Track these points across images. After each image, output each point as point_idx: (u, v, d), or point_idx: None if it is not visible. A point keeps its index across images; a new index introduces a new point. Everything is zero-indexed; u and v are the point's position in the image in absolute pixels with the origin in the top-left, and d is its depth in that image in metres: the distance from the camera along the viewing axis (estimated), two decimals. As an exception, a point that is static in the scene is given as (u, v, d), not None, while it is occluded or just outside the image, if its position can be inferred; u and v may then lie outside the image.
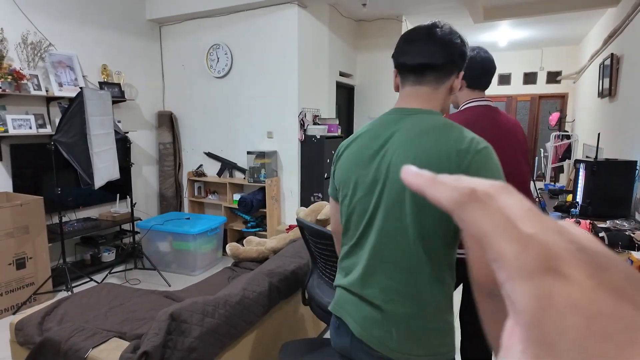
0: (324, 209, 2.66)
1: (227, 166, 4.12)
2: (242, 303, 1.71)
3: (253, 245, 2.79)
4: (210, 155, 4.24)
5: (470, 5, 4.01)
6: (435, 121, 0.93)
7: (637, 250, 1.79)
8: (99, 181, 2.66)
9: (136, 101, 4.11)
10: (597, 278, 0.16)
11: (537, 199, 4.07)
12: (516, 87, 6.88)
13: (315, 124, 3.98)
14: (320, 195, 3.87)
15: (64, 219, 3.15)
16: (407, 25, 4.95)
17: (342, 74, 4.67)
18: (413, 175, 0.21)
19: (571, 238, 0.17)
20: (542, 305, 0.15)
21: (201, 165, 4.29)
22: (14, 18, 3.07)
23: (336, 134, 4.06)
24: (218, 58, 4.00)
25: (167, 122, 4.28)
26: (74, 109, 2.54)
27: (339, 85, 4.64)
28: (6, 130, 2.97)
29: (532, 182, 5.65)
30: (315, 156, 3.85)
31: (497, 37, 5.81)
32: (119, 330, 1.77)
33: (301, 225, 1.75)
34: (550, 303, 0.15)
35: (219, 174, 4.15)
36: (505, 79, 6.94)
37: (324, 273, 1.81)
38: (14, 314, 2.76)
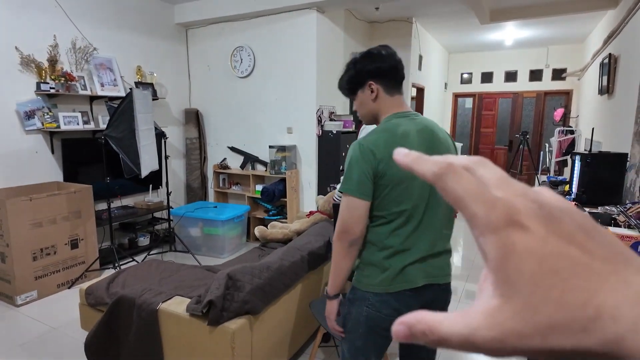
0: None
1: (250, 159, 4.49)
2: (280, 269, 2.07)
3: (277, 228, 3.15)
4: (233, 149, 4.61)
5: (477, 8, 4.30)
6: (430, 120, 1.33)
7: (614, 227, 2.11)
8: (145, 171, 3.04)
9: (166, 99, 4.49)
10: (550, 227, 0.19)
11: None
12: (522, 84, 7.14)
13: (331, 120, 4.32)
14: (335, 186, 4.21)
15: (105, 207, 3.53)
16: (417, 27, 5.26)
17: (355, 73, 4.99)
18: (403, 155, 0.23)
19: (534, 198, 0.20)
20: (505, 253, 0.19)
21: (225, 159, 4.66)
22: (64, 26, 3.46)
23: (351, 129, 4.40)
24: (241, 59, 4.36)
25: (194, 118, 4.65)
26: (124, 107, 2.91)
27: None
28: (58, 126, 3.36)
29: (536, 175, 5.92)
30: (332, 150, 4.19)
31: (503, 36, 6.07)
32: (175, 293, 2.13)
33: (336, 204, 2.10)
34: (511, 250, 0.19)
35: (242, 166, 4.51)
36: (511, 76, 7.20)
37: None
38: (69, 288, 3.16)
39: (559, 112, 6.22)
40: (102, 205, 3.61)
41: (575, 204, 2.14)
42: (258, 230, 3.07)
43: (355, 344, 1.30)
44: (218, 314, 1.74)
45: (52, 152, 3.46)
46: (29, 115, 3.26)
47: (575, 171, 3.26)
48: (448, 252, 1.30)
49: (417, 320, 0.21)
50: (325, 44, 4.14)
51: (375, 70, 1.24)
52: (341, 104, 4.67)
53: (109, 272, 3.18)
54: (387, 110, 1.27)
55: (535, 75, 7.02)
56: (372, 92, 1.25)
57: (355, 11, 4.74)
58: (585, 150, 4.22)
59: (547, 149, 6.24)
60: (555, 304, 0.18)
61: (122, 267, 3.28)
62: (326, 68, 4.23)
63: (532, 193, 0.21)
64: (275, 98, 4.28)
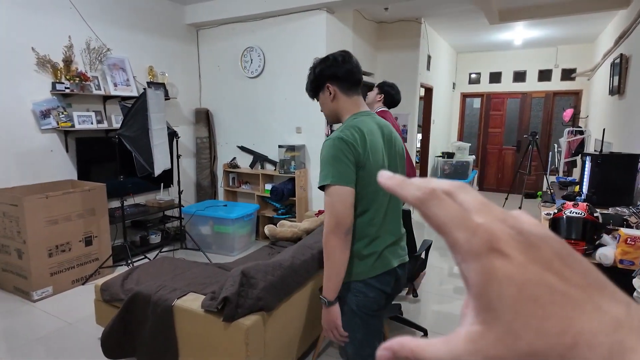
0: None
1: (259, 159, 4.52)
2: (292, 267, 2.10)
3: (286, 227, 3.18)
4: (243, 148, 4.65)
5: (486, 8, 4.29)
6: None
7: (626, 228, 2.11)
8: (157, 170, 3.08)
9: (177, 99, 4.54)
10: (529, 254, 0.20)
11: (548, 191, 4.34)
12: (531, 84, 7.10)
13: (340, 120, 4.34)
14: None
15: (117, 205, 3.59)
16: (425, 27, 5.25)
17: (364, 73, 5.00)
18: (386, 178, 0.24)
19: (513, 224, 0.21)
20: (486, 279, 0.20)
21: (235, 158, 4.70)
22: (78, 27, 3.51)
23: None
24: (251, 59, 4.39)
25: (204, 118, 4.70)
26: (137, 107, 2.96)
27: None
28: (72, 126, 3.42)
29: (545, 176, 5.88)
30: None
31: (512, 36, 6.05)
32: (189, 290, 2.17)
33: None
34: (492, 276, 0.20)
35: (252, 165, 4.55)
36: (520, 76, 7.16)
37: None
38: (83, 284, 3.21)
39: (568, 113, 6.18)
40: (115, 203, 3.67)
41: (587, 205, 2.14)
42: (268, 229, 3.10)
43: (356, 337, 1.35)
44: (233, 310, 1.77)
45: (67, 150, 3.52)
46: (45, 114, 3.32)
47: (585, 172, 3.24)
48: (404, 234, 1.49)
49: (400, 346, 0.22)
50: (334, 44, 4.16)
51: (332, 74, 1.37)
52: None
53: (121, 269, 3.24)
54: (347, 110, 1.39)
55: (545, 75, 6.97)
56: (330, 93, 1.38)
57: (364, 11, 4.76)
58: (595, 150, 4.19)
59: (556, 150, 6.21)
60: (535, 331, 0.18)
61: (135, 264, 3.34)
62: (335, 68, 4.23)
63: (511, 219, 0.21)
64: (284, 98, 4.30)
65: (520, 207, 4.75)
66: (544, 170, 6.09)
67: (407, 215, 2.06)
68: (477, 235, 0.20)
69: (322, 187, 1.27)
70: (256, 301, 1.82)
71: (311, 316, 2.23)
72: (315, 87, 1.43)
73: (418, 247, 2.45)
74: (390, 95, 2.86)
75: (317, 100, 1.46)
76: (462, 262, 0.21)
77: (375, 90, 2.87)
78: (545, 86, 7.02)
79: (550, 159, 6.45)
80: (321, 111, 1.47)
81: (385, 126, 1.40)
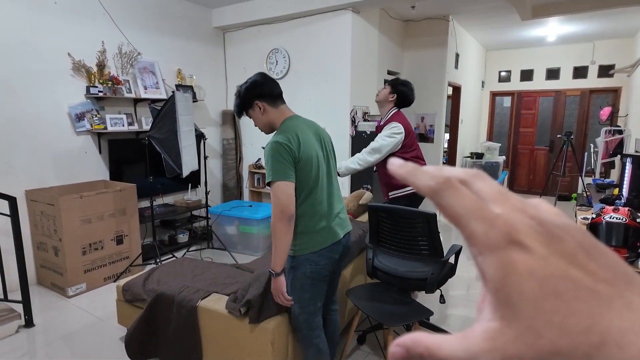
0: (364, 195, 3.01)
1: (283, 160, 4.53)
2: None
3: None
4: (268, 149, 4.67)
5: (518, 4, 4.14)
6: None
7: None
8: (186, 171, 3.15)
9: (204, 101, 4.62)
10: (551, 247, 0.18)
11: (584, 194, 4.14)
12: (565, 82, 6.80)
13: (365, 120, 4.29)
14: (369, 186, 4.18)
15: (147, 204, 3.69)
16: (454, 24, 5.12)
17: (389, 73, 4.94)
18: (397, 166, 0.23)
19: (533, 214, 0.20)
20: (505, 273, 0.18)
21: (260, 159, 4.74)
22: (111, 33, 3.63)
23: (385, 130, 4.35)
24: (277, 61, 4.41)
25: (230, 120, 4.76)
26: (166, 109, 3.03)
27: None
28: (105, 128, 3.54)
29: (580, 178, 5.63)
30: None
31: (545, 32, 5.81)
32: (211, 290, 2.18)
33: (374, 207, 2.10)
34: (512, 270, 0.18)
35: (276, 166, 4.56)
36: (553, 74, 6.87)
37: (385, 245, 2.15)
38: (114, 281, 3.32)
39: (605, 111, 5.88)
40: (145, 203, 3.77)
41: (628, 210, 2.02)
42: None
43: (304, 297, 1.71)
44: (256, 313, 1.78)
45: (100, 152, 3.65)
46: (80, 117, 3.45)
47: (625, 174, 3.07)
48: (343, 207, 1.83)
49: (414, 343, 0.20)
50: (359, 44, 4.12)
51: (257, 93, 1.67)
52: (375, 104, 4.62)
53: (151, 267, 3.31)
54: (277, 118, 1.69)
55: (580, 72, 6.66)
56: (260, 108, 1.68)
57: (390, 10, 4.69)
58: (636, 151, 3.95)
59: (592, 150, 5.92)
60: (558, 329, 0.17)
61: (163, 262, 3.42)
62: (361, 68, 4.20)
63: (531, 208, 0.20)
64: (309, 99, 4.30)
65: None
66: (579, 171, 5.82)
67: (432, 218, 2.01)
68: (496, 227, 0.19)
69: (268, 184, 1.57)
70: (280, 304, 1.82)
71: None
72: (243, 108, 1.72)
73: (445, 251, 2.38)
74: (405, 96, 2.64)
75: (248, 116, 1.74)
76: (479, 255, 0.20)
77: (388, 88, 2.65)
78: (581, 84, 6.70)
79: (585, 160, 6.15)
80: (255, 126, 1.75)
81: (311, 123, 1.73)
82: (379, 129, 2.73)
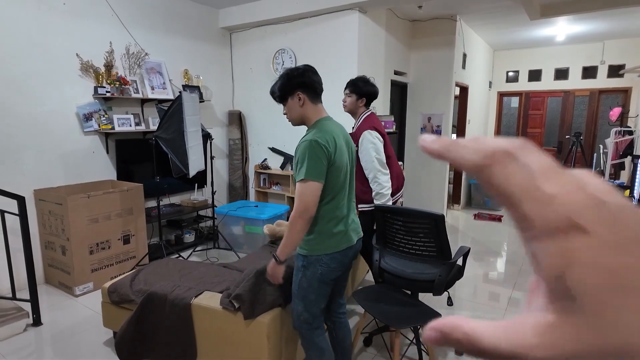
0: None
1: (290, 160, 4.53)
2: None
3: (284, 226, 3.14)
4: (274, 150, 4.67)
5: (527, 3, 4.09)
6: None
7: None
8: (192, 171, 3.15)
9: (211, 102, 4.63)
10: (618, 233, 0.16)
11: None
12: (574, 82, 6.73)
13: (371, 121, 4.27)
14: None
15: (154, 204, 3.70)
16: (461, 24, 5.09)
17: (396, 73, 4.92)
18: (431, 142, 0.21)
19: (591, 192, 0.17)
20: (565, 262, 0.16)
21: (266, 159, 4.74)
22: (119, 33, 3.65)
23: (391, 130, 4.32)
24: (283, 61, 4.41)
25: (236, 120, 4.77)
26: (173, 110, 3.03)
27: (393, 83, 4.89)
28: (113, 128, 3.56)
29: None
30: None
31: (554, 31, 5.75)
32: (203, 288, 2.15)
33: (381, 207, 2.09)
34: (574, 259, 0.16)
35: (282, 167, 4.57)
36: (562, 74, 6.80)
37: (392, 246, 2.14)
38: (121, 281, 3.33)
39: (615, 112, 5.80)
40: (152, 203, 3.78)
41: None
42: (267, 228, 3.05)
43: (309, 298, 1.71)
44: (249, 308, 1.80)
45: (107, 152, 3.67)
46: (87, 117, 3.48)
47: (636, 175, 3.03)
48: (354, 209, 1.84)
49: (452, 328, 0.19)
50: (366, 44, 4.10)
51: (301, 82, 1.63)
52: (381, 104, 4.61)
53: (136, 269, 3.32)
54: (313, 115, 1.68)
55: (589, 72, 6.58)
56: (299, 99, 1.64)
57: (397, 10, 4.66)
58: (648, 152, 3.89)
59: (601, 151, 5.84)
60: (628, 326, 0.16)
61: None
62: (367, 68, 4.18)
63: (587, 185, 0.18)
64: (315, 99, 4.28)
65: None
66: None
67: (440, 219, 1.99)
68: (552, 209, 0.17)
69: (298, 180, 1.57)
70: (274, 298, 1.83)
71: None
72: (284, 93, 1.67)
73: (453, 253, 2.36)
74: (372, 93, 2.54)
75: (284, 104, 1.70)
76: (534, 239, 0.17)
77: (353, 96, 2.51)
78: (590, 84, 6.63)
79: (595, 161, 6.08)
80: (284, 114, 1.72)
81: (342, 129, 1.75)
82: (353, 136, 2.51)
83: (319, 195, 1.57)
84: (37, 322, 2.64)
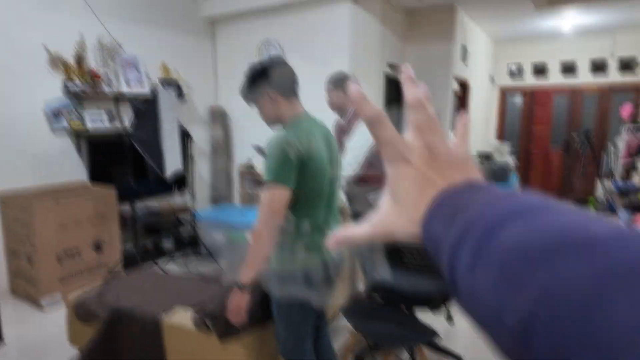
0: None
1: (277, 160, 4.45)
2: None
3: None
4: (260, 149, 4.58)
5: (531, -8, 4.03)
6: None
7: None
8: (168, 172, 3.07)
9: (191, 97, 4.54)
10: (428, 164, 0.32)
11: (605, 198, 4.03)
12: (582, 77, 6.68)
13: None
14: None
15: (129, 208, 3.60)
16: (461, 15, 5.02)
17: (390, 66, 4.84)
18: (356, 89, 0.34)
19: (427, 143, 0.33)
20: (395, 178, 0.33)
21: (251, 159, 4.65)
22: (90, 23, 3.56)
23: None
24: (269, 55, 4.32)
25: (220, 117, 4.69)
26: (148, 107, 2.95)
27: (388, 79, 4.82)
28: (84, 126, 3.47)
29: (599, 180, 5.51)
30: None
31: (560, 22, 5.70)
32: (175, 302, 2.07)
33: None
34: (399, 176, 0.33)
35: (269, 167, 4.48)
36: (568, 69, 6.75)
37: (385, 256, 2.06)
38: (92, 292, 3.23)
39: (627, 109, 5.75)
40: (128, 207, 3.69)
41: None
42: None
43: (294, 320, 1.60)
44: (223, 327, 1.71)
45: (79, 152, 3.58)
46: (56, 114, 3.38)
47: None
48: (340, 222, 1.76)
49: (344, 237, 0.38)
50: (359, 37, 4.03)
51: (270, 79, 1.54)
52: (374, 99, 4.53)
53: (105, 280, 3.24)
54: (287, 113, 1.57)
55: (598, 66, 6.54)
56: (270, 97, 1.55)
57: (392, 0, 4.59)
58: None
59: (611, 151, 5.79)
60: (417, 209, 0.32)
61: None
62: (360, 63, 4.11)
63: (435, 140, 0.34)
64: (304, 95, 4.20)
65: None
66: (597, 173, 5.70)
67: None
68: (398, 148, 0.34)
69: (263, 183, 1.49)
70: (252, 316, 1.74)
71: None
72: (252, 93, 1.60)
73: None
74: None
75: (255, 104, 1.63)
76: (385, 164, 0.35)
77: (339, 90, 2.55)
78: (599, 79, 6.58)
79: (604, 161, 6.03)
80: (259, 114, 1.66)
81: (324, 129, 1.64)
82: (343, 128, 2.58)
83: (286, 201, 1.43)
84: (-3, 338, 2.55)
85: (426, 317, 2.81)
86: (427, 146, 0.33)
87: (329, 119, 4.05)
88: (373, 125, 0.33)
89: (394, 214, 0.33)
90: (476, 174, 0.33)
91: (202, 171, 4.77)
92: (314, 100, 4.13)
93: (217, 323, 1.73)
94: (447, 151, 0.33)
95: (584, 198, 6.56)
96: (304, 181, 1.47)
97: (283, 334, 1.64)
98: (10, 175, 3.17)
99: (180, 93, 4.22)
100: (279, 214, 1.44)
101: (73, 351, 2.44)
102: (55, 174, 3.45)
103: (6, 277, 3.20)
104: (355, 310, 2.13)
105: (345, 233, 0.37)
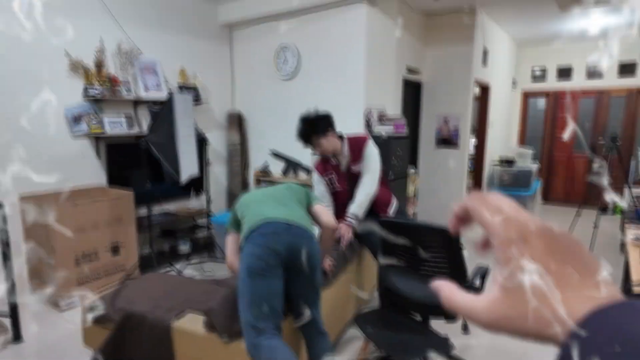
0: None
1: (292, 165, 4.45)
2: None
3: None
4: (275, 154, 4.60)
5: (555, -6, 3.93)
6: None
7: None
8: (184, 177, 3.09)
9: (209, 103, 4.59)
10: (549, 246, 0.29)
11: (633, 207, 3.88)
12: (609, 80, 6.48)
13: (381, 122, 4.16)
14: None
15: (146, 212, 3.65)
16: (482, 17, 4.94)
17: (409, 70, 4.79)
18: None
19: (536, 222, 0.31)
20: (509, 262, 0.30)
21: (267, 164, 4.66)
22: (110, 29, 3.63)
23: (403, 134, 4.20)
24: (286, 59, 4.34)
25: (236, 122, 4.72)
26: (164, 112, 2.98)
27: (406, 82, 4.77)
28: (103, 131, 3.53)
29: (627, 188, 5.33)
30: (380, 155, 4.02)
31: (587, 24, 5.54)
32: (186, 307, 2.07)
33: (386, 222, 1.97)
34: (515, 260, 0.29)
35: (284, 172, 4.49)
36: (594, 72, 6.56)
37: (399, 265, 2.02)
38: (109, 294, 3.28)
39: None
40: (145, 210, 3.74)
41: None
42: None
43: (245, 295, 1.71)
44: (225, 322, 1.72)
45: (98, 156, 3.65)
46: (77, 119, 3.46)
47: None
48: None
49: (447, 297, 0.34)
50: (375, 40, 4.00)
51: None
52: (392, 105, 4.49)
53: (120, 284, 3.27)
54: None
55: (627, 69, 6.33)
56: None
57: (410, 2, 4.55)
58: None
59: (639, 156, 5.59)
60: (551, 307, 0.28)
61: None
62: (377, 66, 4.08)
63: (531, 218, 0.32)
64: (320, 100, 4.20)
65: (595, 225, 4.28)
66: (625, 181, 5.50)
67: (455, 237, 1.86)
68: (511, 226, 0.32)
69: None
70: None
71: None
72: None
73: (470, 272, 2.23)
74: (329, 117, 2.71)
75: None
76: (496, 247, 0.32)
77: (328, 133, 2.60)
78: (628, 82, 6.37)
79: (632, 168, 5.82)
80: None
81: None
82: (351, 163, 2.70)
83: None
84: (17, 338, 2.61)
85: (441, 326, 2.75)
86: (536, 224, 0.30)
87: (344, 118, 4.03)
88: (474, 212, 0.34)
89: (502, 301, 0.30)
90: (601, 269, 0.29)
91: (219, 175, 4.81)
92: (328, 102, 4.12)
93: (216, 318, 1.73)
94: (558, 231, 0.30)
95: (611, 206, 6.34)
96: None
97: (240, 310, 1.71)
98: (31, 179, 3.25)
99: (197, 97, 4.27)
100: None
101: (86, 353, 2.47)
102: (74, 177, 3.52)
103: (26, 277, 3.27)
104: (368, 318, 2.09)
105: (452, 295, 0.33)
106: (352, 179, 2.66)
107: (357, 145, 2.64)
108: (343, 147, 2.65)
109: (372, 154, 2.64)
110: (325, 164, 2.71)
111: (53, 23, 3.27)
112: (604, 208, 6.00)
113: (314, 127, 2.53)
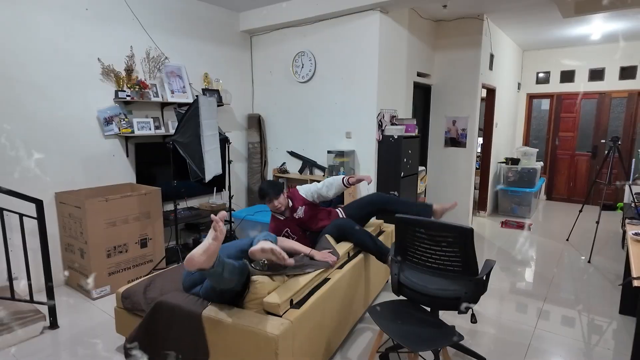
0: None
1: (308, 164, 4.42)
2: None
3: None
4: (292, 154, 4.58)
5: (560, 0, 3.83)
6: None
7: None
8: (208, 175, 3.09)
9: (230, 105, 4.59)
10: None
11: (633, 204, 3.77)
12: (611, 83, 6.31)
13: (392, 124, 4.11)
14: (396, 193, 3.99)
15: (172, 208, 3.66)
16: (488, 23, 4.85)
17: (419, 74, 4.73)
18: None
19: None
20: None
21: (284, 163, 4.65)
22: (139, 37, 3.65)
23: (413, 134, 4.15)
24: (302, 64, 4.31)
25: (256, 123, 4.71)
26: (190, 114, 2.98)
27: (416, 85, 4.71)
28: (132, 132, 3.55)
29: (628, 186, 5.19)
30: (392, 156, 3.98)
31: (589, 30, 5.40)
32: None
33: (402, 218, 1.94)
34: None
35: (301, 171, 4.46)
36: (597, 75, 6.40)
37: (412, 259, 1.98)
38: (138, 284, 3.30)
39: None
40: (171, 206, 3.75)
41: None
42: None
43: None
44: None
45: (127, 155, 3.67)
46: (108, 121, 3.48)
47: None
48: None
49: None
50: (388, 45, 3.95)
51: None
52: (403, 106, 4.43)
53: (152, 274, 3.28)
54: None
55: (628, 72, 6.16)
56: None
57: (420, 10, 4.48)
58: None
59: (639, 156, 5.44)
60: None
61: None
62: (389, 70, 4.03)
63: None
64: (334, 102, 4.17)
65: (597, 221, 4.17)
66: (626, 179, 5.35)
67: (469, 233, 1.82)
68: None
69: None
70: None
71: (334, 322, 2.06)
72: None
73: (480, 268, 2.18)
74: (280, 184, 2.93)
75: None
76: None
77: (278, 195, 2.81)
78: (629, 85, 6.20)
79: (633, 167, 5.67)
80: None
81: None
82: (294, 211, 2.88)
83: None
84: (53, 325, 2.63)
85: (449, 317, 2.69)
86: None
87: (358, 121, 3.99)
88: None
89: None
90: None
91: (239, 173, 4.81)
92: (342, 105, 4.09)
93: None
94: None
95: (612, 204, 6.18)
96: None
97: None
98: (66, 177, 3.28)
99: (220, 100, 4.27)
100: None
101: (117, 339, 2.48)
102: (106, 175, 3.54)
103: (62, 269, 3.31)
104: (382, 310, 2.05)
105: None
106: (301, 225, 2.85)
107: (293, 195, 2.92)
108: (286, 203, 2.89)
109: (304, 187, 2.97)
110: (278, 223, 2.87)
111: (85, 31, 3.29)
112: (607, 205, 5.85)
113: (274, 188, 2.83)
